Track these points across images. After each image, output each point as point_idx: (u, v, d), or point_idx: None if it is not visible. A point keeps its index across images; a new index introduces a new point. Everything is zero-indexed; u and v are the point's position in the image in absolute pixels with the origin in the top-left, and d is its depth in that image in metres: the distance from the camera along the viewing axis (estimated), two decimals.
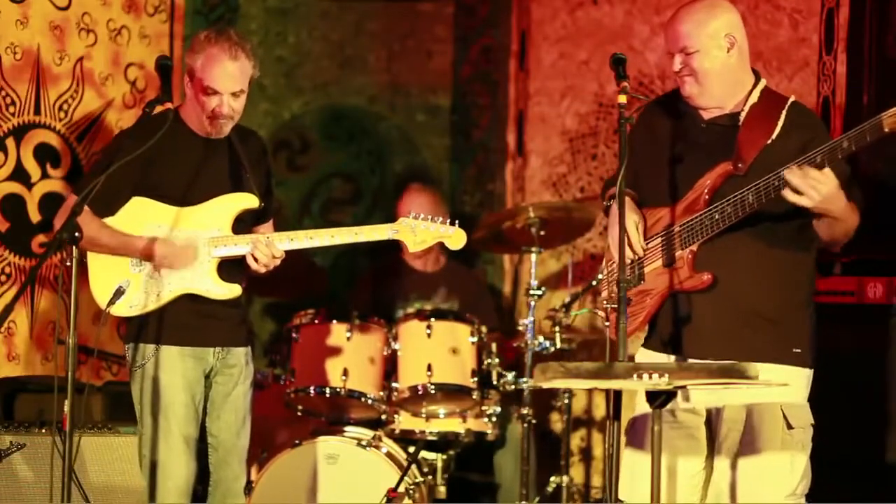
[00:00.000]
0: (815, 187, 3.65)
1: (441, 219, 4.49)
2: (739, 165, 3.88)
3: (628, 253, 3.99)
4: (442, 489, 5.79)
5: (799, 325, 3.93)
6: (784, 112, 3.92)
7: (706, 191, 3.91)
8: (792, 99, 3.98)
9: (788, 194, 3.69)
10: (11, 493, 4.84)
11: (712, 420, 3.94)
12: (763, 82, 4.01)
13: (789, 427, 3.85)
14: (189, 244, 4.38)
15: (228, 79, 4.35)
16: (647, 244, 4.03)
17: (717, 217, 3.86)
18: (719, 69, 3.93)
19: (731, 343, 3.82)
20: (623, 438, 4.05)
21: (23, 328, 5.31)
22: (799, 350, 3.90)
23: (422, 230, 4.45)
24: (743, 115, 3.95)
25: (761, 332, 3.87)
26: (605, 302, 4.17)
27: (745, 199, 3.81)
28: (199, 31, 4.52)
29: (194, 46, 4.39)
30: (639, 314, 4.02)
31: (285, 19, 6.93)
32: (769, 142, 3.89)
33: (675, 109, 4.07)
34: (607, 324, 4.13)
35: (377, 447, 5.47)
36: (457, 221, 4.49)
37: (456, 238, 4.47)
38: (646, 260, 4.03)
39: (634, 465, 3.92)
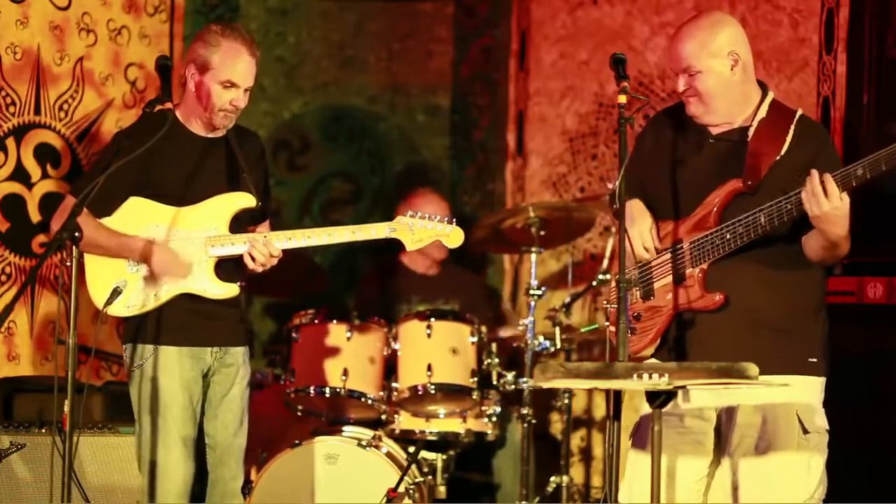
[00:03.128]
0: (825, 202, 3.65)
1: (438, 217, 4.48)
2: (749, 183, 3.86)
3: (644, 255, 3.99)
4: (442, 489, 5.79)
5: (812, 334, 3.92)
6: (793, 127, 3.90)
7: (716, 208, 3.89)
8: (800, 112, 3.96)
9: (803, 194, 3.69)
10: (11, 493, 4.84)
11: (722, 426, 3.93)
12: (771, 95, 3.98)
13: (805, 431, 3.85)
14: (185, 257, 4.37)
15: (248, 73, 4.38)
16: (659, 246, 4.02)
17: (728, 237, 3.84)
18: (724, 88, 3.91)
19: (744, 356, 3.77)
20: (624, 438, 4.05)
21: (23, 328, 5.31)
22: (815, 360, 3.89)
23: (419, 228, 4.45)
24: (752, 130, 3.92)
25: (774, 344, 3.85)
26: (606, 303, 4.16)
27: (756, 220, 3.79)
28: (209, 25, 4.51)
29: (207, 40, 4.37)
30: (649, 331, 4.00)
31: (285, 19, 6.93)
32: (778, 157, 3.88)
33: (684, 122, 4.04)
34: (612, 328, 4.12)
35: (377, 447, 5.47)
36: (454, 220, 4.49)
37: (453, 237, 4.46)
38: (655, 275, 4.01)
39: (637, 467, 3.91)
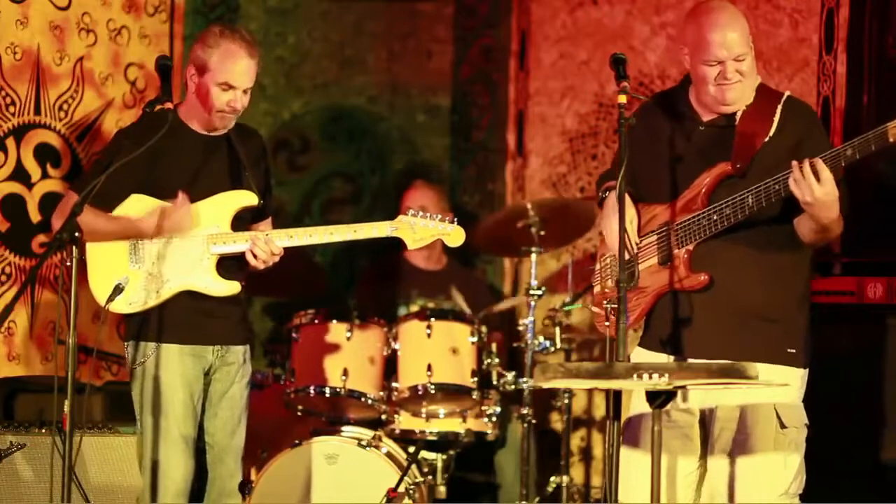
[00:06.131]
0: (813, 187, 3.66)
1: (440, 216, 4.49)
2: (738, 166, 3.88)
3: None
4: (442, 489, 5.79)
5: (794, 325, 3.93)
6: (779, 108, 3.93)
7: (703, 190, 3.91)
8: (787, 94, 3.99)
9: (790, 181, 3.69)
10: (12, 492, 4.84)
11: (706, 419, 3.95)
12: (758, 79, 4.01)
13: (782, 427, 3.86)
14: (187, 211, 4.37)
15: (245, 75, 4.39)
16: (641, 241, 4.04)
17: (715, 218, 3.86)
18: (754, 69, 3.96)
19: (726, 343, 3.82)
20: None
21: (23, 328, 5.31)
22: (793, 350, 3.90)
23: (420, 227, 4.45)
24: (739, 114, 3.95)
25: (756, 333, 3.88)
26: (604, 302, 4.17)
27: (744, 201, 3.81)
28: (210, 26, 4.54)
29: (207, 41, 4.38)
30: (633, 311, 4.02)
31: (285, 19, 6.93)
32: (767, 139, 3.89)
33: (674, 109, 4.06)
34: (607, 324, 4.13)
35: (377, 447, 5.47)
36: (455, 219, 4.50)
37: (455, 235, 4.47)
38: (640, 257, 4.03)
39: (628, 464, 3.92)
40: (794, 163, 3.69)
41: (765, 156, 3.87)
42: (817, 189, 3.66)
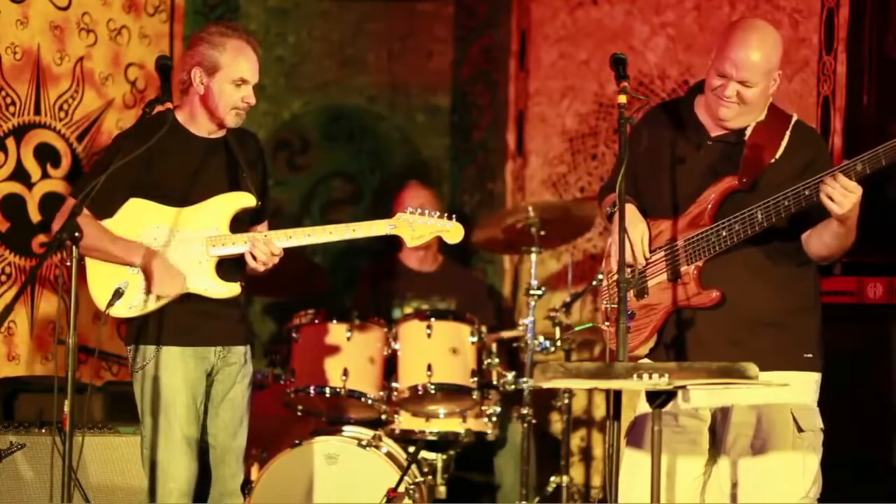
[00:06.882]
0: (847, 197, 3.68)
1: (438, 213, 4.49)
2: (744, 180, 3.87)
3: (634, 263, 3.99)
4: (442, 489, 5.79)
5: (807, 330, 3.93)
6: (788, 132, 3.93)
7: (710, 206, 3.91)
8: (795, 118, 3.99)
9: (823, 198, 3.71)
10: (12, 492, 4.84)
11: (717, 426, 3.94)
12: (769, 100, 4.01)
13: (800, 430, 3.86)
14: (184, 266, 4.38)
15: (256, 69, 4.43)
16: (650, 256, 4.03)
17: (723, 234, 3.86)
18: (763, 101, 3.94)
19: (739, 353, 3.78)
20: (624, 438, 4.05)
21: (23, 328, 5.32)
22: (810, 355, 3.90)
23: (419, 225, 4.45)
24: (749, 131, 3.95)
25: (770, 340, 3.87)
26: (604, 303, 4.16)
27: (753, 216, 3.81)
28: (207, 25, 4.55)
29: (211, 41, 4.38)
30: (644, 329, 4.00)
31: (285, 19, 6.94)
32: (773, 161, 3.89)
33: (681, 120, 4.05)
34: (608, 325, 4.12)
35: (377, 447, 5.47)
36: (454, 216, 4.49)
37: (454, 232, 4.46)
38: (649, 273, 4.02)
39: (632, 465, 3.92)
40: (833, 175, 3.69)
41: (770, 176, 3.87)
42: (852, 197, 3.69)
